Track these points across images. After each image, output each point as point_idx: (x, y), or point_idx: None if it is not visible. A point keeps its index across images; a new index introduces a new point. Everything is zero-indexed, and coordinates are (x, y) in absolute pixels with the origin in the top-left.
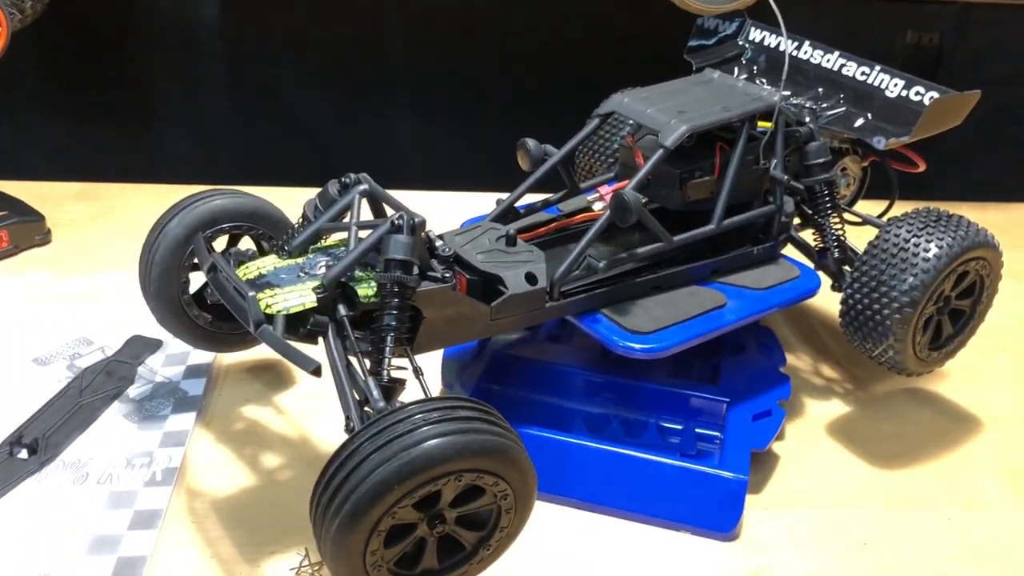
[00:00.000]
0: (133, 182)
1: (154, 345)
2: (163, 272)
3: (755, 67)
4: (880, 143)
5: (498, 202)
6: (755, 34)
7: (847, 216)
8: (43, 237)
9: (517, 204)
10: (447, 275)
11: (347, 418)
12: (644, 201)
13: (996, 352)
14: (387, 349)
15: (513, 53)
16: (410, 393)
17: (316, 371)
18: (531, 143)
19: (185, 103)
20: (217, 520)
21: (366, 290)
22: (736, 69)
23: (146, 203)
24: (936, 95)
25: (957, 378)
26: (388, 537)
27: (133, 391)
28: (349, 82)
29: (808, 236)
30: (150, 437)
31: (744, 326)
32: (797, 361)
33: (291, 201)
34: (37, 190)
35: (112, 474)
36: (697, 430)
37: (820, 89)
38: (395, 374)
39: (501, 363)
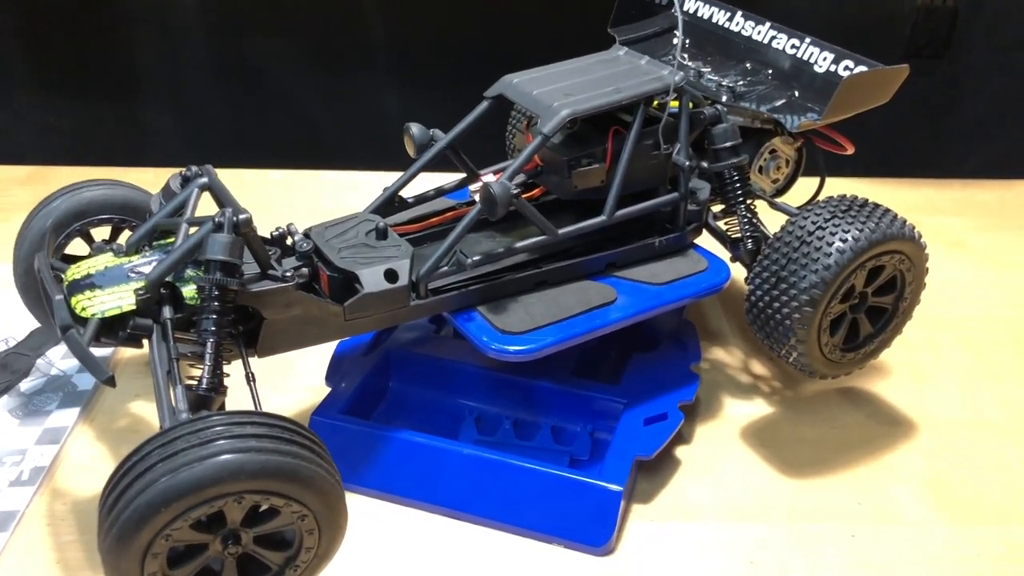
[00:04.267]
0: (112, 165)
1: (56, 336)
2: (28, 267)
3: (686, 41)
4: (793, 124)
5: (385, 189)
6: (690, 4)
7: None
8: None
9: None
10: (287, 274)
11: (160, 428)
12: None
13: (949, 347)
14: (207, 355)
15: (502, 25)
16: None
17: (108, 381)
18: (415, 128)
19: (168, 82)
20: (74, 523)
21: (192, 291)
22: (671, 45)
23: None
24: (864, 69)
25: (901, 376)
26: (176, 557)
27: (25, 384)
28: (334, 58)
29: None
30: (28, 433)
31: (660, 319)
32: (727, 356)
33: (275, 182)
34: None
35: None
36: (596, 434)
37: (748, 65)
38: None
39: (397, 359)
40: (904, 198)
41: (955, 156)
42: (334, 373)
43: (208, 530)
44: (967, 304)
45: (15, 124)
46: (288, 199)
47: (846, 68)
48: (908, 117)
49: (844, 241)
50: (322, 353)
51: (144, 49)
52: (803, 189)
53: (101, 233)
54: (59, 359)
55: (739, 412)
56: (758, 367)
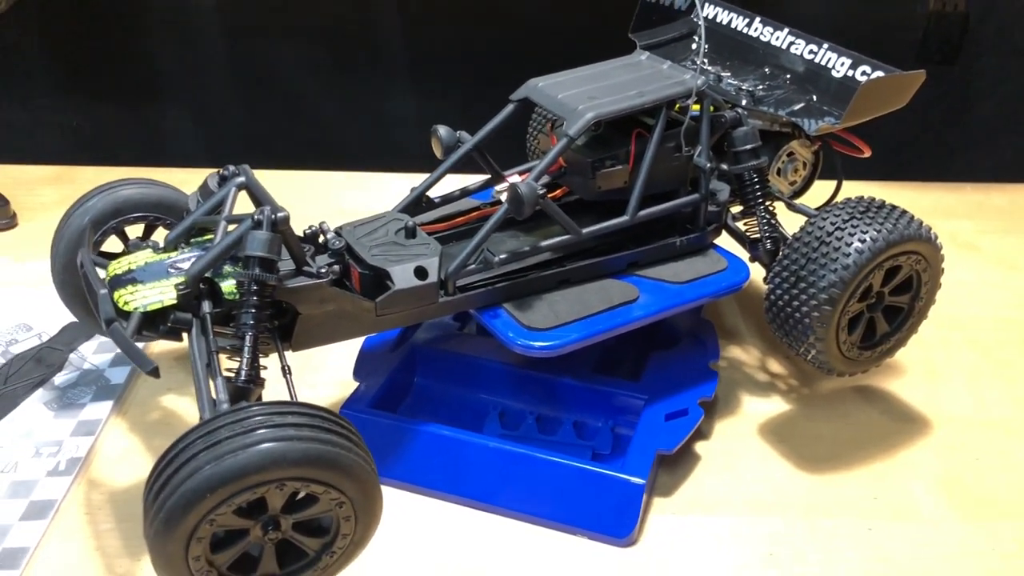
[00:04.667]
0: (132, 165)
1: (88, 332)
2: (67, 264)
3: (706, 46)
4: (812, 127)
5: (412, 190)
6: (708, 10)
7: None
8: (8, 222)
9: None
10: (322, 270)
11: (200, 419)
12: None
13: (961, 347)
14: (246, 348)
15: (517, 29)
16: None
17: (153, 372)
18: (443, 129)
19: (187, 85)
20: (111, 512)
21: (231, 287)
22: (690, 50)
23: None
24: (882, 75)
25: (915, 375)
26: (217, 542)
27: (59, 378)
28: (349, 62)
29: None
30: (64, 425)
31: (679, 318)
32: (744, 355)
33: (290, 183)
34: (13, 173)
35: (18, 463)
36: (617, 429)
37: (767, 69)
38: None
39: (422, 355)
40: (916, 201)
41: (967, 160)
42: (361, 368)
43: (249, 516)
44: (977, 305)
45: (39, 126)
46: (303, 199)
47: (863, 73)
48: (921, 122)
49: (863, 242)
50: (349, 349)
51: (164, 53)
52: (819, 192)
53: (135, 231)
54: (91, 354)
55: (756, 409)
56: (775, 365)
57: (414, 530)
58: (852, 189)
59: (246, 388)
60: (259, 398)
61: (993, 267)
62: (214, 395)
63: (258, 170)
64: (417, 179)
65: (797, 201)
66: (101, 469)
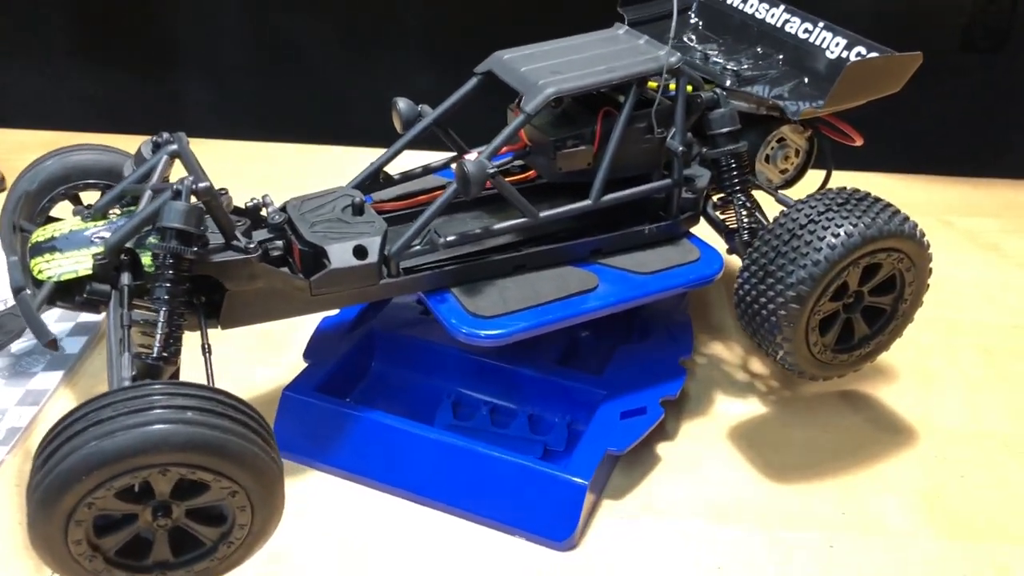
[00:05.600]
0: (147, 134)
1: None
2: (14, 229)
3: (699, 23)
4: (795, 111)
5: (370, 164)
6: None
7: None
8: None
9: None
10: (251, 245)
11: None
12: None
13: (964, 354)
14: (160, 324)
15: (536, 6)
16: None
17: (50, 344)
18: (403, 102)
19: (203, 56)
20: None
21: (150, 259)
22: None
23: None
24: (869, 55)
25: (907, 381)
26: (105, 525)
27: (16, 346)
28: (367, 37)
29: None
30: (11, 394)
31: (655, 311)
32: (726, 352)
33: (305, 157)
34: (18, 138)
35: None
36: (574, 426)
37: (759, 49)
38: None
39: (381, 340)
40: (939, 196)
41: (1005, 154)
42: (314, 349)
43: (137, 500)
44: (990, 310)
45: (53, 91)
46: (317, 173)
47: (858, 55)
48: (961, 113)
49: (836, 236)
50: (313, 329)
51: (181, 22)
52: (816, 183)
53: (93, 198)
54: (53, 322)
55: (730, 411)
56: (757, 365)
57: (348, 520)
58: (867, 183)
59: (155, 366)
60: (174, 377)
61: (1013, 269)
62: (121, 370)
63: (273, 143)
64: (433, 156)
65: (787, 192)
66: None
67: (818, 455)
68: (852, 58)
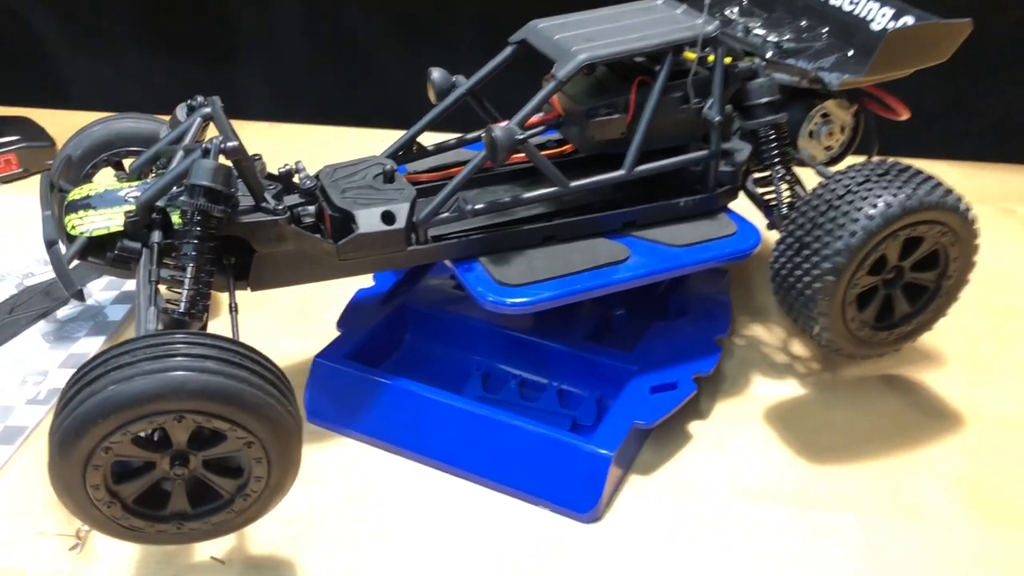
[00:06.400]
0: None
1: (99, 269)
2: (51, 187)
3: None
4: (834, 81)
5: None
6: None
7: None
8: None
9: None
10: (279, 207)
11: None
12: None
13: (1015, 341)
14: (187, 280)
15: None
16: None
17: (77, 295)
18: (437, 73)
19: (263, 46)
20: None
21: (179, 216)
22: None
23: None
24: (915, 23)
25: (956, 366)
26: (125, 472)
27: (63, 312)
28: (423, 29)
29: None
30: (54, 357)
31: (693, 289)
32: (766, 333)
33: (358, 141)
34: (75, 119)
35: (4, 389)
36: (604, 401)
37: (804, 22)
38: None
39: (414, 311)
40: (1003, 184)
41: None
42: (348, 319)
43: (155, 449)
44: None
45: (115, 76)
46: (363, 154)
47: (905, 25)
48: None
49: (874, 207)
50: (345, 301)
51: (240, 10)
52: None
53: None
54: (99, 290)
55: (767, 391)
56: (798, 347)
57: (373, 485)
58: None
59: (181, 321)
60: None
61: None
62: (146, 322)
63: (327, 126)
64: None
65: (829, 168)
66: None
67: (857, 438)
68: (899, 27)
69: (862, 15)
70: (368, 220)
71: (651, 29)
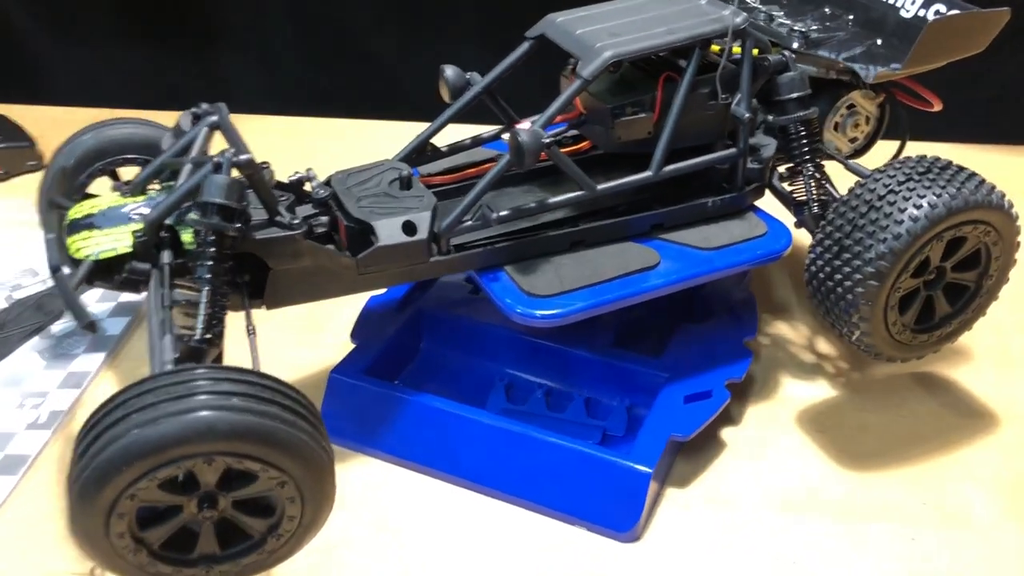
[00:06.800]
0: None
1: None
2: (50, 205)
3: None
4: (870, 74)
5: (417, 136)
6: None
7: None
8: (35, 164)
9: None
10: (295, 221)
11: None
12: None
13: None
14: (202, 304)
15: None
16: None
17: (89, 327)
18: (450, 70)
19: (250, 33)
20: None
21: (191, 236)
22: None
23: None
24: (954, 13)
25: (986, 363)
26: (150, 517)
27: (57, 326)
28: (416, 13)
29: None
30: (53, 376)
31: (717, 289)
32: (791, 332)
33: (351, 132)
34: (54, 115)
35: (1, 414)
36: (633, 410)
37: (827, 9)
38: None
39: (429, 319)
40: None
41: None
42: (361, 329)
43: (182, 491)
44: None
45: (97, 68)
46: (360, 148)
47: (937, 13)
48: None
49: (919, 207)
50: (356, 307)
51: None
52: (885, 153)
53: (131, 174)
54: (94, 302)
55: (798, 394)
56: (824, 346)
57: (400, 508)
58: (945, 154)
59: (199, 348)
60: (217, 360)
61: None
62: (163, 353)
63: (319, 118)
64: (481, 130)
65: (857, 161)
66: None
67: (893, 441)
68: (930, 16)
69: (890, 1)
70: (388, 231)
71: (677, 22)
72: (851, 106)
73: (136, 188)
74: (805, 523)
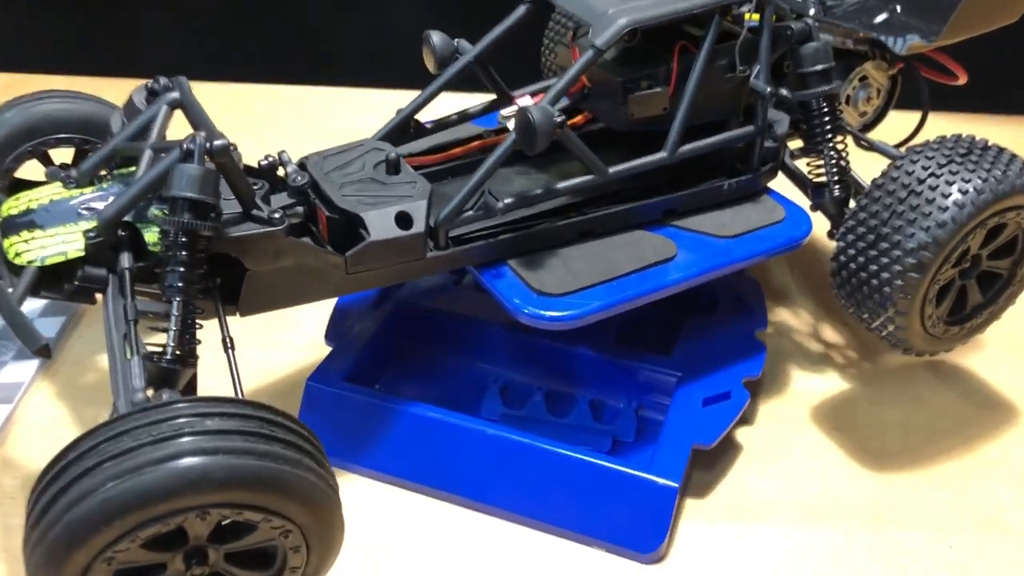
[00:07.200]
0: (100, 75)
1: None
2: None
3: None
4: (900, 46)
5: (399, 112)
6: None
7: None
8: None
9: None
10: (276, 215)
11: (113, 408)
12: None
13: None
14: (173, 318)
15: None
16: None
17: (42, 351)
18: (437, 37)
19: None
20: (24, 502)
21: (156, 236)
22: None
23: None
24: None
25: (997, 349)
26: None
27: None
28: None
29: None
30: None
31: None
32: (793, 318)
33: (278, 99)
34: None
35: None
36: (641, 411)
37: None
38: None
39: (410, 316)
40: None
41: None
42: (336, 330)
43: (166, 548)
44: None
45: (3, 30)
46: (288, 119)
47: None
48: None
49: (964, 193)
50: (329, 302)
51: None
52: (890, 127)
53: (62, 156)
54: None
55: (809, 387)
56: (830, 333)
57: (393, 532)
58: (958, 126)
59: (171, 370)
60: (191, 381)
61: None
62: (131, 378)
63: (237, 84)
64: (460, 100)
65: (868, 136)
66: (19, 445)
67: (915, 437)
68: None
69: None
70: (380, 224)
71: None
72: (863, 78)
73: (83, 177)
74: (835, 534)
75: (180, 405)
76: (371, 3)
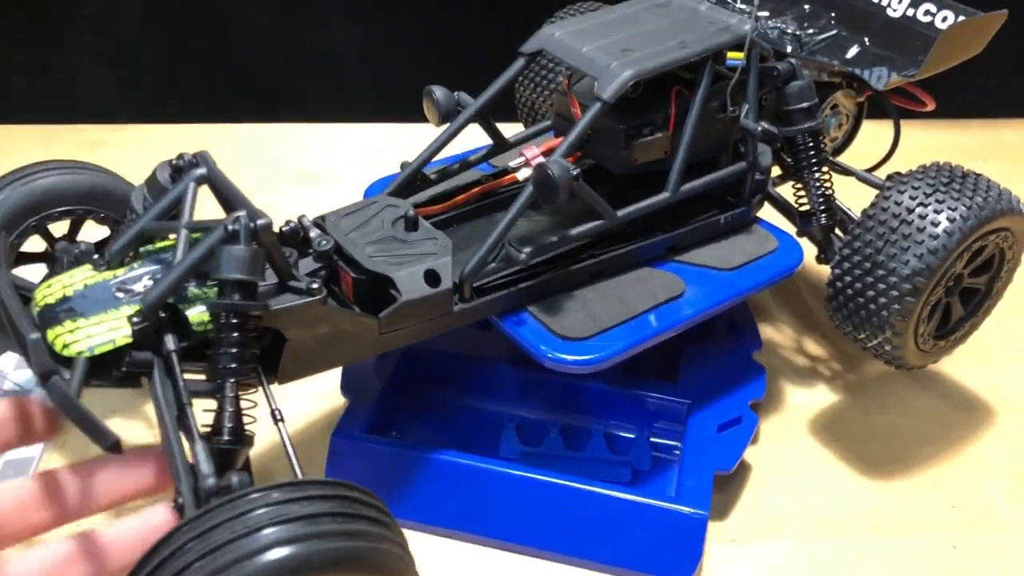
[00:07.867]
0: (34, 122)
1: (6, 344)
2: None
3: None
4: (880, 81)
5: (403, 166)
6: None
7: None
8: None
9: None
10: (313, 285)
11: (176, 493)
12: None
13: (1014, 321)
14: (227, 399)
15: None
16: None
17: (114, 447)
18: (439, 91)
19: (93, 20)
20: None
21: (200, 315)
22: None
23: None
24: (951, 16)
25: (964, 355)
26: None
27: None
28: None
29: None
30: None
31: None
32: (776, 334)
33: (237, 139)
34: None
35: None
36: (652, 439)
37: (806, 7)
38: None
39: (419, 359)
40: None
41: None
42: (350, 381)
43: None
44: None
45: None
46: (253, 160)
47: (927, 13)
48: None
49: (952, 220)
50: None
51: None
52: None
53: (58, 228)
54: (12, 370)
55: (803, 402)
56: (812, 346)
57: None
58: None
59: (231, 450)
60: (247, 461)
61: None
62: (197, 463)
63: (184, 124)
64: (371, 129)
65: (841, 160)
66: None
67: (906, 443)
68: (921, 16)
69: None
70: (410, 283)
71: (687, 33)
72: (834, 106)
73: (114, 259)
74: (849, 545)
75: (255, 495)
76: (308, 25)
